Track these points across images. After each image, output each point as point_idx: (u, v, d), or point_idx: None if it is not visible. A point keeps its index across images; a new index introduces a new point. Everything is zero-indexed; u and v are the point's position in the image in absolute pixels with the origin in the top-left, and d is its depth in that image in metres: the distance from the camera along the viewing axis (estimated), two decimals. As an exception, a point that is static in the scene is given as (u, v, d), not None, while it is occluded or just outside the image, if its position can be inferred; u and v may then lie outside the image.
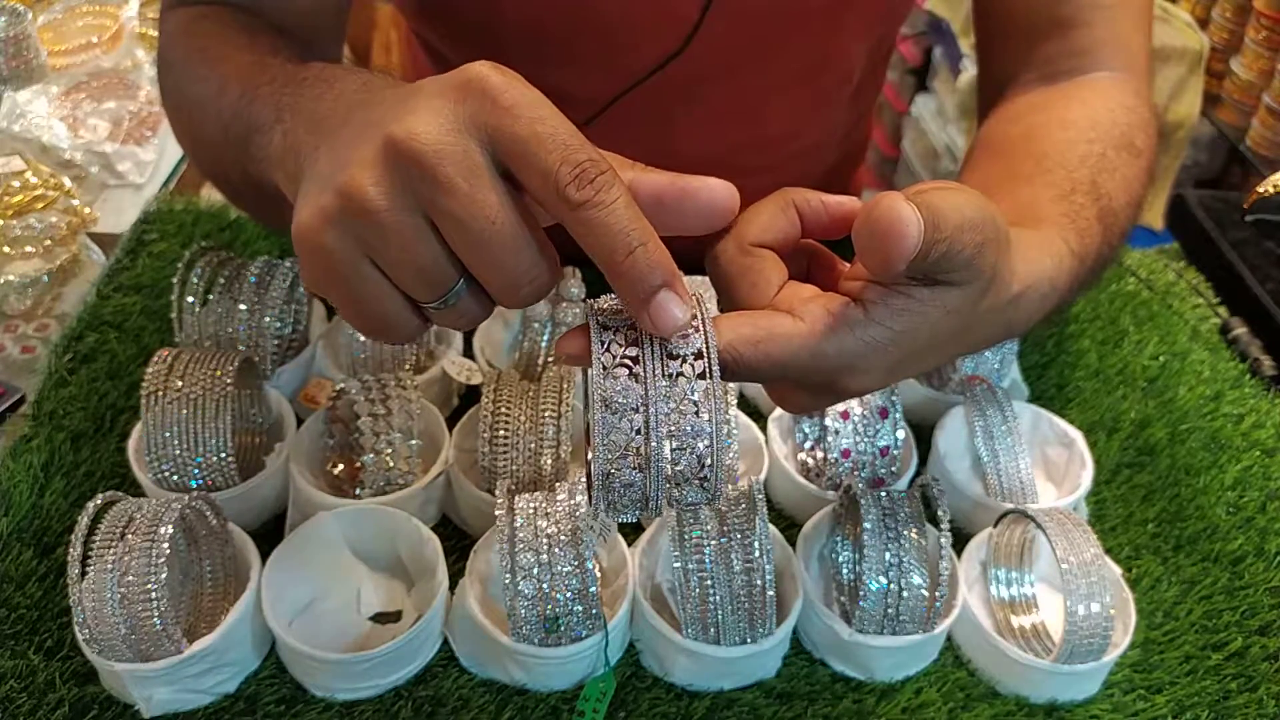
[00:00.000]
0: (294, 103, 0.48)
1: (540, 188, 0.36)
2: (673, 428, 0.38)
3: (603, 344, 0.38)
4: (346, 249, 0.37)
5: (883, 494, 0.65)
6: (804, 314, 0.40)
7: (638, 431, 0.38)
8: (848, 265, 0.44)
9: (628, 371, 0.38)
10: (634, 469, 0.38)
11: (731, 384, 0.74)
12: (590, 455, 0.39)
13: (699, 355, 0.38)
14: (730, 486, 0.62)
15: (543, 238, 0.38)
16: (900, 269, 0.37)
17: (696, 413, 0.38)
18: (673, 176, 0.40)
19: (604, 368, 0.38)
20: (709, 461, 0.38)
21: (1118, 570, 0.67)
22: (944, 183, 0.38)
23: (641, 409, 0.37)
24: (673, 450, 0.38)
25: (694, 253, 0.44)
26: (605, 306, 0.40)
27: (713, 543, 0.60)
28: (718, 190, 0.40)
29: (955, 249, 0.37)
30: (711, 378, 0.38)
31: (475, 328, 0.38)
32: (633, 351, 0.38)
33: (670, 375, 0.38)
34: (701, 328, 0.38)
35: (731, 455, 0.71)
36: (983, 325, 0.43)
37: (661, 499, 0.39)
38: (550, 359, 0.77)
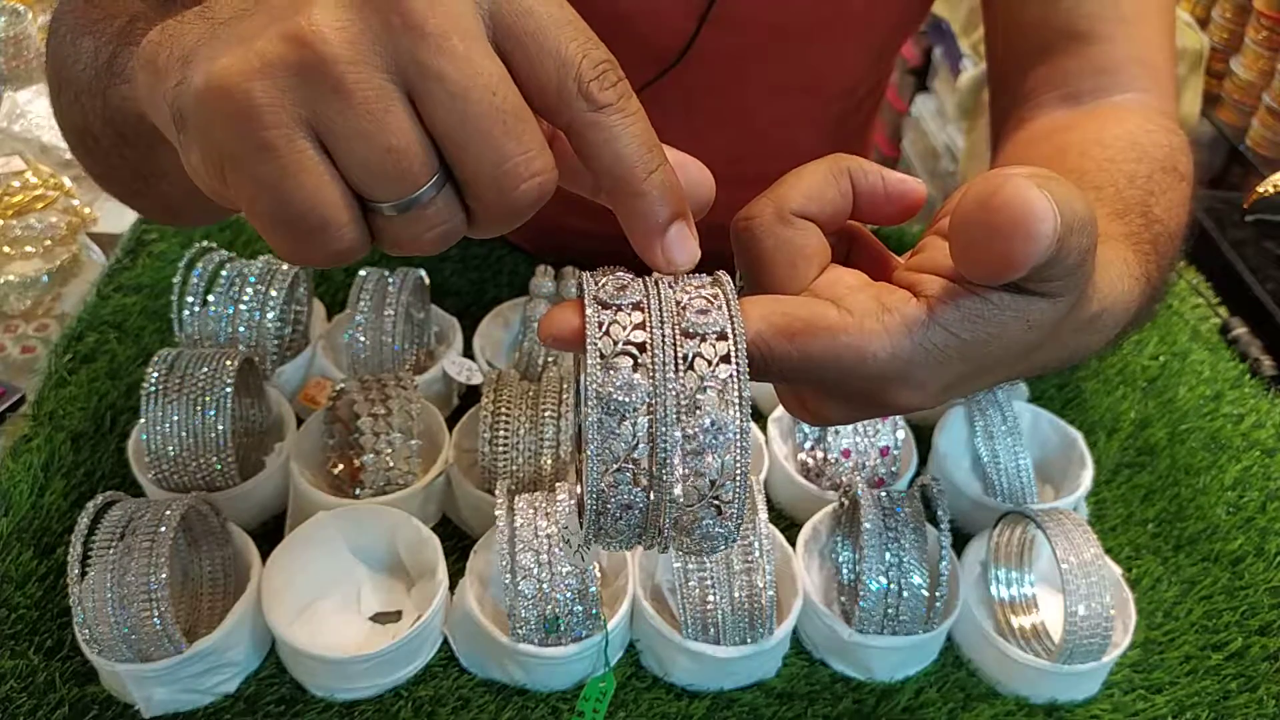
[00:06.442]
0: (182, 11, 0.37)
1: (552, 78, 0.30)
2: (686, 427, 0.30)
3: (600, 325, 0.31)
4: (282, 111, 0.28)
5: (883, 494, 0.65)
6: (852, 305, 0.33)
7: (642, 439, 0.30)
8: (899, 260, 0.38)
9: (632, 362, 0.30)
10: (634, 485, 0.30)
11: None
12: (581, 468, 0.31)
13: (721, 336, 0.31)
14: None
15: (543, 126, 0.32)
16: (1021, 274, 0.30)
17: (716, 407, 0.30)
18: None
19: (601, 356, 0.30)
20: (736, 474, 0.30)
21: (1118, 570, 0.67)
22: (1036, 170, 0.31)
23: (647, 409, 0.30)
24: (685, 455, 0.30)
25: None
26: (603, 279, 0.32)
27: (713, 543, 0.60)
28: (691, 169, 0.34)
29: (1064, 253, 0.30)
30: (737, 362, 0.30)
31: (442, 251, 0.32)
32: (638, 336, 0.30)
33: (685, 357, 0.30)
34: (725, 305, 0.31)
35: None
36: (1053, 348, 0.37)
37: (668, 526, 0.31)
38: (550, 359, 0.77)
